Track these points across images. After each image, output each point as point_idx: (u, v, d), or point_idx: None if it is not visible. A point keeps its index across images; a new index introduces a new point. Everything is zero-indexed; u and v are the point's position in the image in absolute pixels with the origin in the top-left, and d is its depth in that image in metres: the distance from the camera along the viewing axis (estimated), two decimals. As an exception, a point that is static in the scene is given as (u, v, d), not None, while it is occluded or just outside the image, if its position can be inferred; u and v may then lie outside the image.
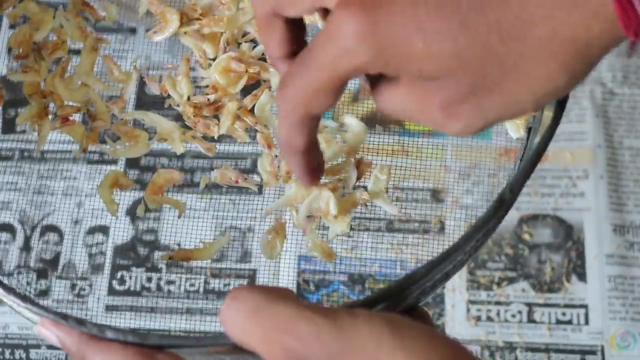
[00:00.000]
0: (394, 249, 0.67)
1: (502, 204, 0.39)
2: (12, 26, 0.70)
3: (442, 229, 0.69)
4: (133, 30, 0.69)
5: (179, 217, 0.55)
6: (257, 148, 0.56)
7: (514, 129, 0.53)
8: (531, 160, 0.39)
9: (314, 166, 0.40)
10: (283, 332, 0.31)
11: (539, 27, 0.30)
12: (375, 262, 0.62)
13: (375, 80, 0.35)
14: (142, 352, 0.36)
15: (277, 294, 0.32)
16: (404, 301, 0.39)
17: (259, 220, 0.66)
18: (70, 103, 0.56)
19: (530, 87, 0.32)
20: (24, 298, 0.39)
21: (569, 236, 0.71)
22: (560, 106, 0.41)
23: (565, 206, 0.72)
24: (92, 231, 0.68)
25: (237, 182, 0.56)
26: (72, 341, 0.37)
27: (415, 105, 0.34)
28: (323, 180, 0.54)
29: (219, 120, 0.56)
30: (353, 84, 0.69)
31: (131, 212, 0.68)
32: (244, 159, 0.68)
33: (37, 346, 0.66)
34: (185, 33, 0.57)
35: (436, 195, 0.69)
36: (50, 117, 0.56)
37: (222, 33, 0.57)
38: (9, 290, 0.39)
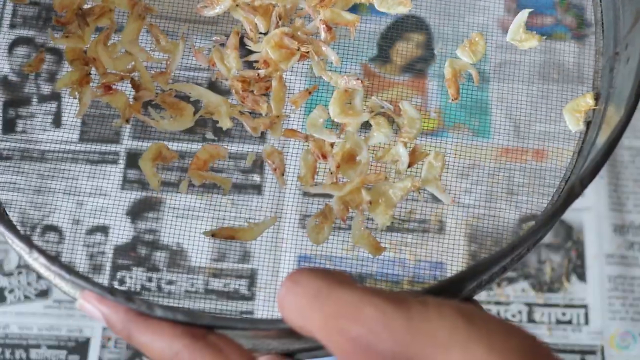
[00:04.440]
0: (393, 249, 0.67)
1: (571, 197, 0.38)
2: (12, 26, 0.70)
3: (441, 228, 0.69)
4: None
5: (225, 194, 0.53)
6: (258, 147, 0.56)
7: (574, 123, 0.52)
8: (603, 153, 0.39)
9: None
10: (347, 319, 0.29)
11: None
12: (375, 262, 0.62)
13: None
14: (192, 333, 0.34)
15: (337, 277, 0.31)
16: (459, 294, 0.37)
17: (258, 220, 0.66)
18: (113, 71, 0.54)
19: None
20: (69, 270, 0.36)
21: (568, 236, 0.71)
22: (635, 103, 0.40)
23: (565, 206, 0.72)
24: (92, 231, 0.69)
25: (275, 170, 0.54)
26: (118, 318, 0.35)
27: None
28: (372, 164, 0.53)
29: (268, 96, 0.54)
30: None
31: (131, 212, 0.69)
32: (244, 159, 0.68)
33: (37, 346, 0.66)
34: (237, 5, 0.55)
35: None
36: (92, 84, 0.54)
37: (274, 6, 0.55)
38: (53, 260, 0.36)
